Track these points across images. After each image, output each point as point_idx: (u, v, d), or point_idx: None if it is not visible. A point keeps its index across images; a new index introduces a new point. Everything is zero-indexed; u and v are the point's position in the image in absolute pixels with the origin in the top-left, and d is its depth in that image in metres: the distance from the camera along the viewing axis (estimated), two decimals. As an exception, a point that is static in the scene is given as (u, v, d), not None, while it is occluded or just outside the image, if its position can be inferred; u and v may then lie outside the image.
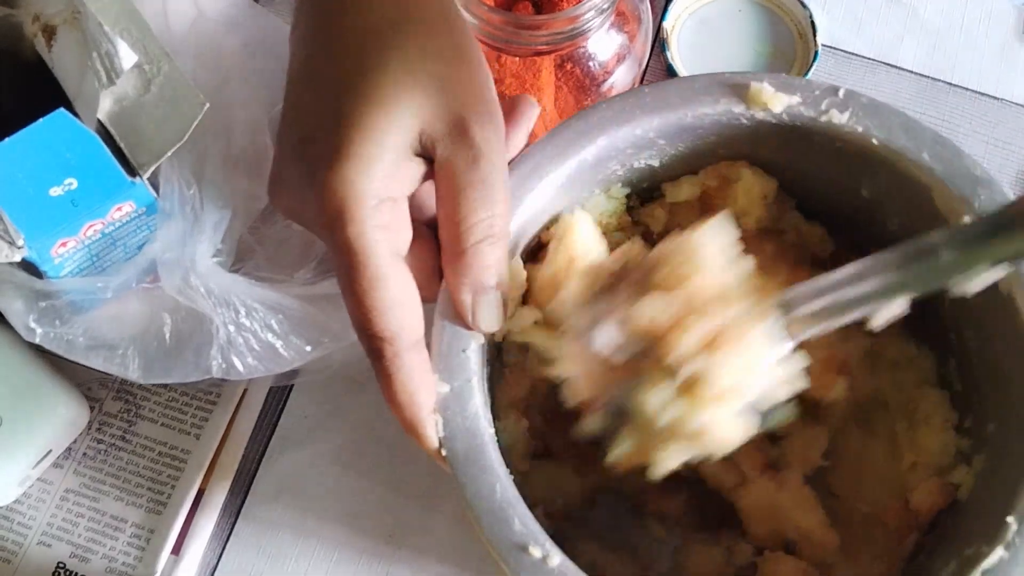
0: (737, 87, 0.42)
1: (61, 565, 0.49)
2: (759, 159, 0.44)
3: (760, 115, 0.42)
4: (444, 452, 0.36)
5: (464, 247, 0.36)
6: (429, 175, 0.37)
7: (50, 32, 0.43)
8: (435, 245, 0.38)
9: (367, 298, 0.35)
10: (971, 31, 0.61)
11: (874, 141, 0.41)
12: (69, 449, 0.50)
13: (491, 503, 0.36)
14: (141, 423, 0.51)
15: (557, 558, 0.35)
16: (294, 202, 0.38)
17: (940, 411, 0.43)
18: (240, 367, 0.44)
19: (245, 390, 0.52)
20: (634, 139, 0.42)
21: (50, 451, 0.49)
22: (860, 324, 0.42)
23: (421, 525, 0.49)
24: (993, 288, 0.39)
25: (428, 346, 0.37)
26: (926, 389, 0.44)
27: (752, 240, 0.44)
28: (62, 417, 0.48)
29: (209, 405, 0.51)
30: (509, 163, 0.40)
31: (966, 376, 0.43)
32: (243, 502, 0.50)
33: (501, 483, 0.36)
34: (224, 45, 0.46)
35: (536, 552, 0.35)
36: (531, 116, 0.42)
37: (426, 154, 0.37)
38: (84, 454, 0.51)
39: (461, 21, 0.38)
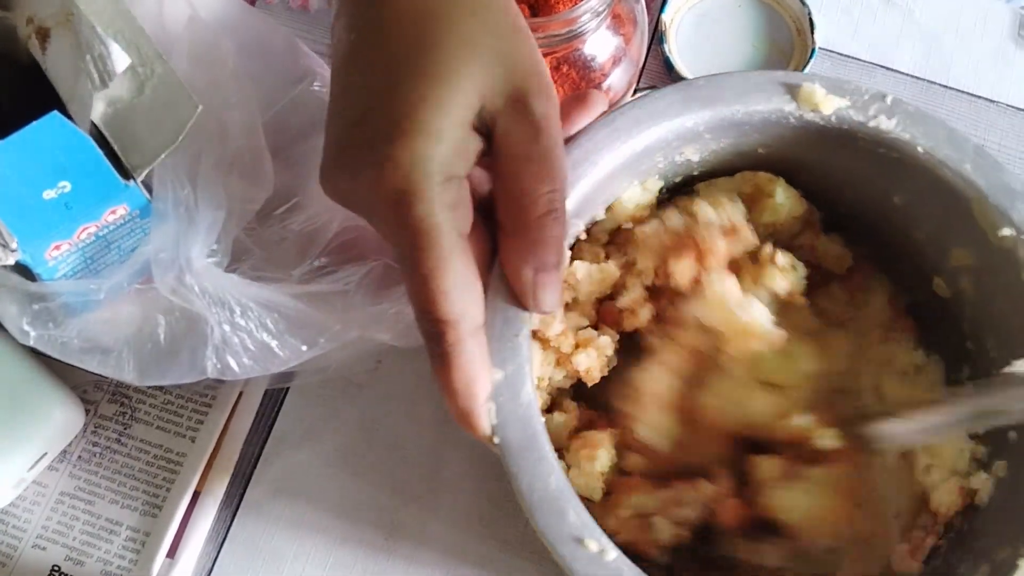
0: (790, 86, 0.42)
1: (56, 568, 0.49)
2: (796, 162, 0.44)
3: (809, 116, 0.42)
4: (496, 440, 0.36)
5: (528, 222, 0.35)
6: (483, 154, 0.36)
7: (44, 34, 0.43)
8: (485, 232, 0.37)
9: (433, 280, 0.34)
10: (966, 34, 0.61)
11: (919, 149, 0.41)
12: (64, 452, 0.50)
13: (545, 494, 0.35)
14: (136, 426, 0.51)
15: (613, 552, 0.35)
16: (348, 184, 0.36)
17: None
18: (235, 367, 0.44)
19: (241, 392, 0.52)
20: (684, 131, 0.42)
21: (45, 454, 0.49)
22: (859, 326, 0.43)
23: (418, 527, 0.49)
24: (1021, 299, 0.40)
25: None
26: (937, 395, 0.44)
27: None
28: (57, 420, 0.48)
29: (205, 407, 0.51)
30: (566, 143, 0.39)
31: (981, 383, 0.43)
32: (239, 504, 0.50)
33: (556, 473, 0.35)
34: (218, 47, 0.45)
35: (592, 545, 0.35)
36: (599, 109, 0.42)
37: (484, 129, 0.36)
38: (79, 457, 0.51)
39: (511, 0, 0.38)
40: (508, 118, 0.35)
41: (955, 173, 0.41)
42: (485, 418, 0.36)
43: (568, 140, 0.41)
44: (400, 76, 0.35)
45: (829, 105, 0.41)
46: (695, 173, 0.45)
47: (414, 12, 0.36)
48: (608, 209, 0.44)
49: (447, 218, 0.34)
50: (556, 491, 0.35)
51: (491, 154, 0.36)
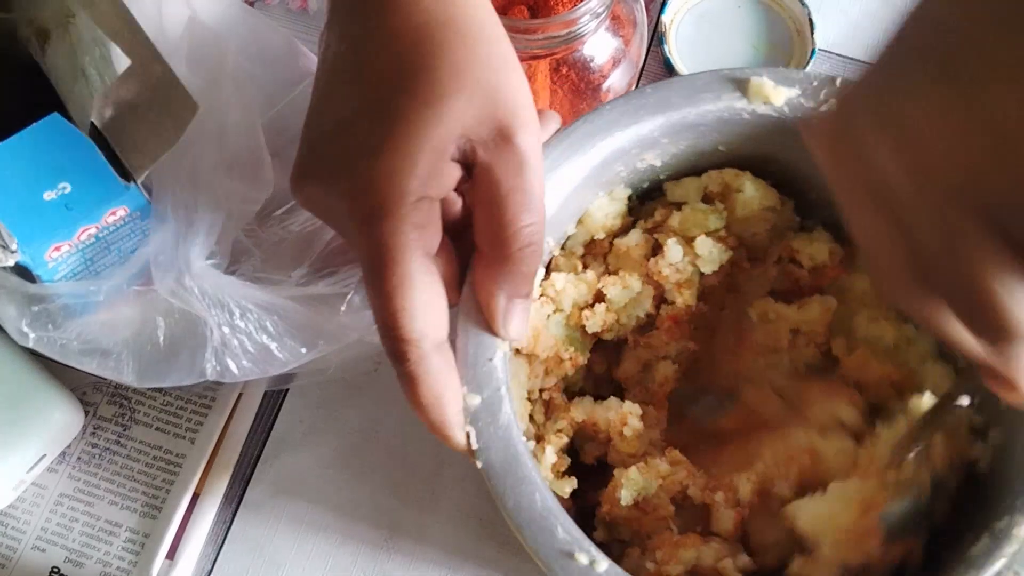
0: (738, 82, 0.42)
1: (55, 570, 0.49)
2: (760, 156, 0.44)
3: (761, 109, 0.42)
4: (479, 464, 0.36)
5: (510, 252, 0.36)
6: (461, 182, 0.37)
7: (44, 36, 0.43)
8: (453, 252, 0.38)
9: (395, 298, 0.34)
10: (966, 34, 0.61)
11: None
12: (64, 453, 0.50)
13: (532, 512, 0.36)
14: (136, 427, 0.51)
15: (604, 563, 0.35)
16: (321, 193, 0.37)
17: (946, 384, 0.43)
18: (235, 369, 0.44)
19: (240, 394, 0.52)
20: (639, 139, 0.42)
21: (44, 455, 0.49)
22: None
23: (417, 529, 0.49)
24: None
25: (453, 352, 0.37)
26: (929, 364, 0.44)
27: (736, 271, 0.45)
28: (57, 421, 0.48)
29: (204, 409, 0.51)
30: None
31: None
32: (238, 506, 0.50)
33: (540, 492, 0.36)
34: (218, 49, 0.45)
35: (583, 558, 0.35)
36: (551, 129, 0.42)
37: (464, 159, 0.36)
38: (79, 458, 0.51)
39: (502, 30, 0.38)
40: (492, 149, 0.36)
41: None
42: (459, 430, 0.36)
43: None
44: (386, 93, 0.35)
45: (779, 96, 0.41)
46: (661, 177, 0.46)
47: (409, 32, 0.36)
48: (579, 222, 0.45)
49: (415, 237, 0.34)
50: (542, 509, 0.36)
51: (472, 183, 0.36)
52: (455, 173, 0.36)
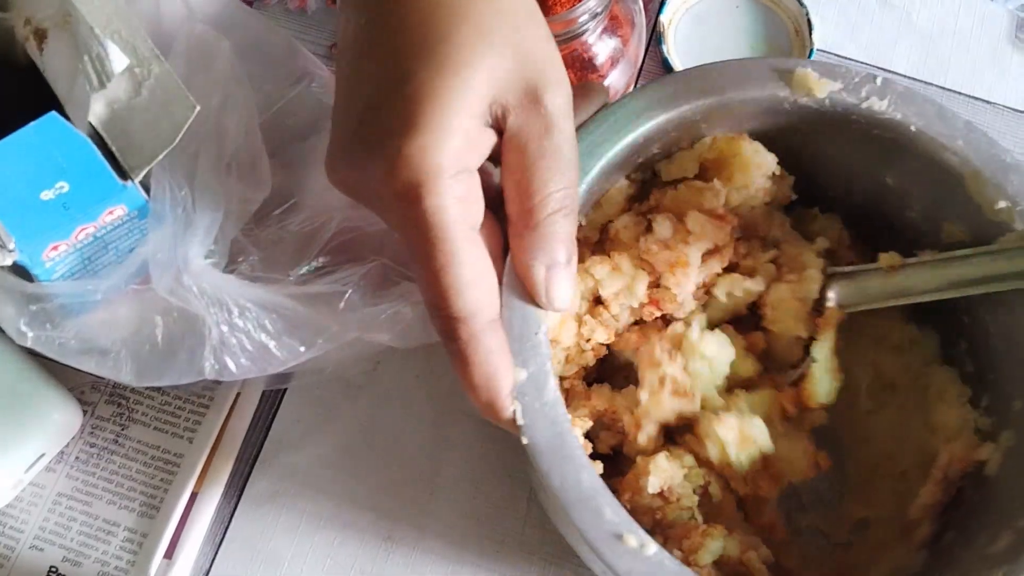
0: (783, 72, 0.42)
1: (53, 569, 0.49)
2: (787, 146, 0.44)
3: (803, 100, 0.42)
4: (525, 441, 0.35)
5: (539, 219, 0.35)
6: (498, 146, 0.36)
7: (41, 35, 0.43)
8: (498, 224, 0.37)
9: (444, 276, 0.33)
10: (964, 36, 0.61)
11: (912, 128, 0.41)
12: (62, 453, 0.50)
13: (579, 492, 0.35)
14: (134, 427, 0.51)
15: (653, 547, 0.34)
16: (355, 176, 0.35)
17: (952, 387, 0.44)
18: (233, 368, 0.44)
19: (239, 393, 0.52)
20: (682, 120, 0.42)
21: (43, 455, 0.48)
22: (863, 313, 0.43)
23: (416, 528, 0.49)
24: None
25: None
26: (934, 367, 0.45)
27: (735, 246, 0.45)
28: (55, 421, 0.48)
29: (202, 408, 0.51)
30: None
31: (979, 356, 0.43)
32: (236, 505, 0.50)
33: (587, 471, 0.35)
34: (216, 48, 0.45)
35: (632, 541, 0.34)
36: (600, 101, 0.41)
37: (496, 124, 0.35)
38: (77, 458, 0.51)
39: None
40: (520, 112, 0.35)
41: (949, 150, 0.41)
42: (510, 411, 0.35)
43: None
44: (411, 67, 0.34)
45: (823, 89, 0.41)
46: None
47: None
48: (596, 205, 0.44)
49: (458, 212, 0.33)
50: (590, 489, 0.35)
51: (502, 148, 0.35)
52: (490, 139, 0.35)
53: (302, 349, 0.45)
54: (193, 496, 0.50)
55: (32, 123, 0.39)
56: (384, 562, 0.49)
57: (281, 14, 0.60)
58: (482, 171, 0.36)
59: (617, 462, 0.43)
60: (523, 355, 0.36)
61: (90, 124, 0.41)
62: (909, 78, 0.59)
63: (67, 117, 0.40)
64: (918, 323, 0.46)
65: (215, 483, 0.50)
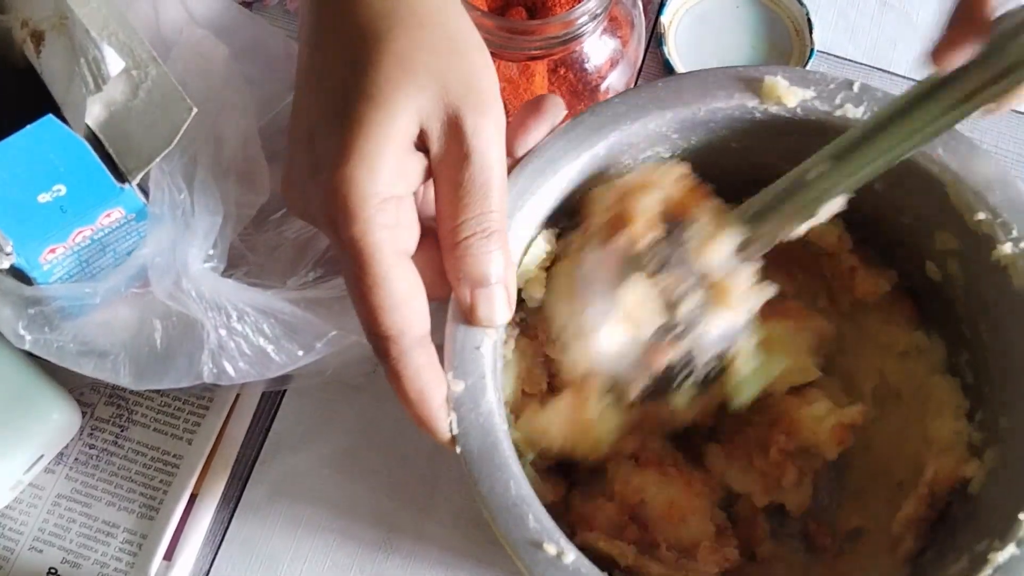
0: (751, 81, 0.41)
1: (52, 571, 0.49)
2: (772, 152, 0.43)
3: (774, 109, 0.41)
4: (458, 449, 0.37)
5: (457, 242, 0.36)
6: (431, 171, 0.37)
7: (38, 38, 0.43)
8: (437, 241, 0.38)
9: (371, 297, 0.35)
10: (965, 35, 0.60)
11: None
12: (61, 454, 0.50)
13: (505, 500, 0.36)
14: (133, 428, 0.51)
15: (572, 555, 0.35)
16: (303, 200, 0.38)
17: (953, 399, 0.43)
18: (231, 372, 0.44)
19: (238, 395, 0.52)
20: (647, 134, 0.42)
21: (42, 456, 0.48)
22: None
23: (415, 530, 0.49)
24: (1008, 284, 0.39)
25: (442, 343, 0.37)
26: (937, 377, 0.44)
27: None
28: (54, 422, 0.48)
29: (202, 410, 0.51)
30: (526, 154, 0.40)
31: (979, 369, 0.43)
32: (236, 507, 0.50)
33: (515, 480, 0.36)
34: (214, 52, 0.45)
35: (551, 549, 0.35)
36: (556, 114, 0.42)
37: (425, 148, 0.36)
38: (76, 459, 0.51)
39: (457, 10, 0.38)
40: (441, 140, 0.36)
41: (927, 158, 0.40)
42: (444, 423, 0.37)
43: (530, 150, 0.41)
44: (342, 97, 0.36)
45: (793, 97, 0.41)
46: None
47: (357, 31, 0.36)
48: (575, 214, 0.44)
49: (384, 237, 0.35)
50: (516, 497, 0.36)
51: (432, 173, 0.37)
52: (421, 165, 0.37)
53: (301, 353, 0.45)
54: (192, 497, 0.50)
55: (29, 126, 0.39)
56: (383, 563, 0.49)
57: (281, 15, 0.60)
58: (418, 195, 0.38)
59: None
60: (463, 368, 0.37)
61: (87, 126, 0.41)
62: (909, 79, 0.59)
63: (64, 120, 0.40)
64: (926, 331, 0.45)
65: (215, 485, 0.50)
